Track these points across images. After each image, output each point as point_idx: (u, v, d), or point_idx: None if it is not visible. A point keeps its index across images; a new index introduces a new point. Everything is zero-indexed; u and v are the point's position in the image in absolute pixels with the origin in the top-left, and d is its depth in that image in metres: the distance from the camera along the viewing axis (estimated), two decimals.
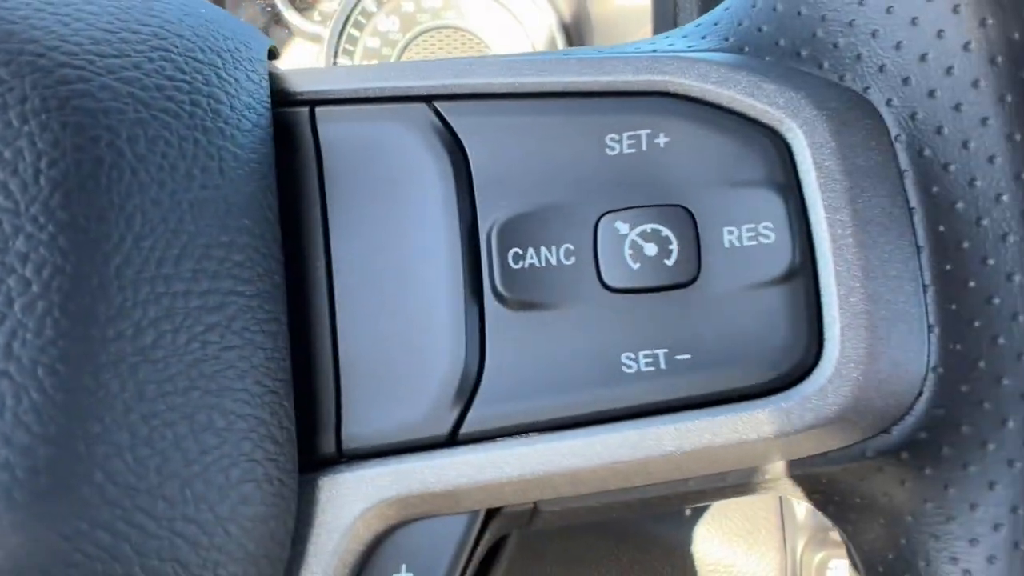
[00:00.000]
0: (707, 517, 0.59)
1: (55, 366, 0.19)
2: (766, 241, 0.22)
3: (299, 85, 0.26)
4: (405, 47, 0.74)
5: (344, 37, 0.73)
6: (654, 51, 0.25)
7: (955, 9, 0.22)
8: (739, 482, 0.24)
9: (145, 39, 0.23)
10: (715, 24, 0.26)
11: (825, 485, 0.24)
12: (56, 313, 0.19)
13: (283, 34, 0.74)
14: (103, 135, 0.21)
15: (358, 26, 0.73)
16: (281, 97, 0.25)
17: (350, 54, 0.73)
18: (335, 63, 0.72)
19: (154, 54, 0.23)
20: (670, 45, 0.26)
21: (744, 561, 0.59)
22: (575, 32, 0.74)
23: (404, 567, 0.24)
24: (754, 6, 0.25)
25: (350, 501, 0.23)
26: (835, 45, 0.23)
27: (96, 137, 0.21)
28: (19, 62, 0.21)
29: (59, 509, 0.19)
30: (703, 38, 0.25)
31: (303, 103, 0.25)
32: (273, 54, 0.30)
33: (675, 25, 0.62)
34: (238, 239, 0.22)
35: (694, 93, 0.23)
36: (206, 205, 0.22)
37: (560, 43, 0.73)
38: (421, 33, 0.74)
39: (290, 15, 0.73)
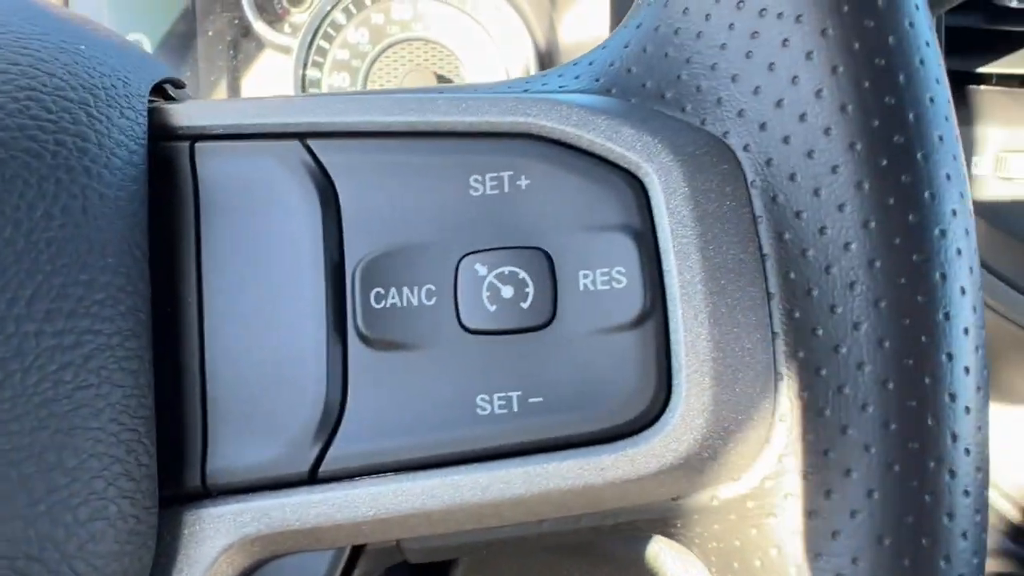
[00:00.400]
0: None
1: None
2: (618, 286, 0.22)
3: (180, 120, 0.26)
4: (375, 59, 0.74)
5: (313, 49, 0.73)
6: (525, 91, 0.25)
7: (808, 56, 0.22)
8: (594, 524, 0.24)
9: (12, 78, 0.23)
10: (590, 64, 0.26)
11: (681, 529, 0.24)
12: None
13: (252, 46, 0.74)
14: None
15: (328, 38, 0.73)
16: (163, 132, 0.26)
17: (319, 66, 0.73)
18: (304, 75, 0.73)
19: (20, 94, 0.23)
20: (544, 84, 0.26)
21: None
22: (544, 41, 0.74)
23: None
24: (626, 46, 0.25)
25: (212, 536, 0.23)
26: (698, 88, 0.23)
27: None
28: None
29: None
30: (576, 78, 0.26)
31: (184, 138, 0.26)
32: (177, 84, 0.31)
33: None
34: (100, 277, 0.23)
35: (556, 135, 0.23)
36: (65, 244, 0.22)
37: (530, 50, 0.73)
38: (391, 45, 0.74)
39: (260, 27, 0.73)
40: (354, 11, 0.73)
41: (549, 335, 0.23)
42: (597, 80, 0.25)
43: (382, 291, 0.24)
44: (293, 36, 0.73)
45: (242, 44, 0.74)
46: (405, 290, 0.23)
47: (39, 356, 0.21)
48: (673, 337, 0.22)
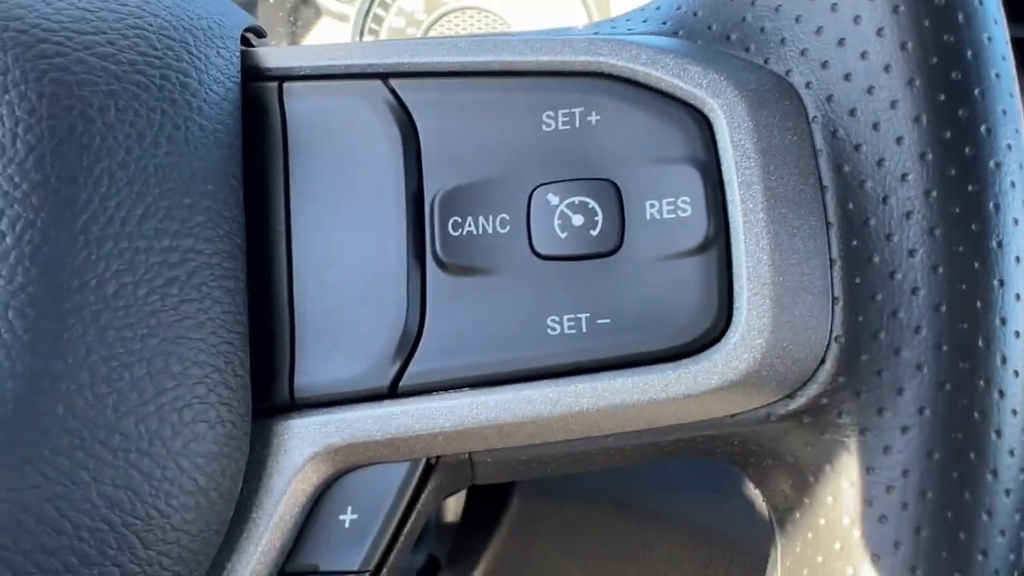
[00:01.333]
0: (704, 490, 0.60)
1: (24, 310, 0.22)
2: (683, 214, 0.24)
3: (269, 62, 0.28)
4: (429, 27, 0.75)
5: (370, 17, 0.75)
6: (595, 34, 0.26)
7: None
8: (655, 440, 0.25)
9: (122, 17, 0.25)
10: (657, 8, 0.27)
11: (737, 447, 0.25)
12: (26, 263, 0.22)
13: (310, 13, 0.76)
14: (76, 105, 0.23)
15: (384, 6, 0.75)
16: (253, 73, 0.28)
17: (375, 33, 0.75)
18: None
19: (129, 31, 0.25)
20: (612, 28, 0.27)
21: (740, 534, 0.60)
22: (598, 11, 0.75)
23: (350, 508, 0.26)
24: None
25: (299, 446, 0.25)
26: (762, 29, 0.25)
27: (69, 107, 0.23)
28: (3, 37, 0.23)
29: (23, 436, 0.21)
30: (644, 21, 0.27)
31: (273, 78, 0.27)
32: (259, 32, 0.32)
33: None
34: (200, 202, 0.25)
35: (625, 74, 0.25)
36: (170, 170, 0.24)
37: (583, 20, 0.74)
38: (445, 13, 0.75)
39: None
40: None
41: (617, 261, 0.24)
42: (664, 23, 0.26)
43: (459, 220, 0.25)
44: (350, 4, 0.75)
45: (301, 11, 0.76)
46: (481, 219, 0.25)
47: (148, 270, 0.23)
48: (735, 263, 0.23)
